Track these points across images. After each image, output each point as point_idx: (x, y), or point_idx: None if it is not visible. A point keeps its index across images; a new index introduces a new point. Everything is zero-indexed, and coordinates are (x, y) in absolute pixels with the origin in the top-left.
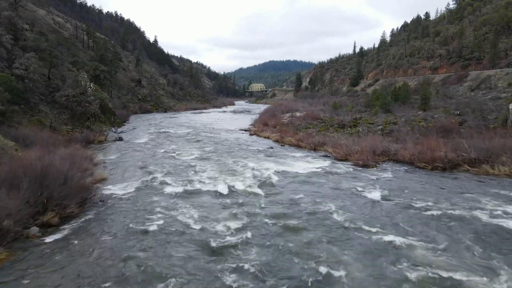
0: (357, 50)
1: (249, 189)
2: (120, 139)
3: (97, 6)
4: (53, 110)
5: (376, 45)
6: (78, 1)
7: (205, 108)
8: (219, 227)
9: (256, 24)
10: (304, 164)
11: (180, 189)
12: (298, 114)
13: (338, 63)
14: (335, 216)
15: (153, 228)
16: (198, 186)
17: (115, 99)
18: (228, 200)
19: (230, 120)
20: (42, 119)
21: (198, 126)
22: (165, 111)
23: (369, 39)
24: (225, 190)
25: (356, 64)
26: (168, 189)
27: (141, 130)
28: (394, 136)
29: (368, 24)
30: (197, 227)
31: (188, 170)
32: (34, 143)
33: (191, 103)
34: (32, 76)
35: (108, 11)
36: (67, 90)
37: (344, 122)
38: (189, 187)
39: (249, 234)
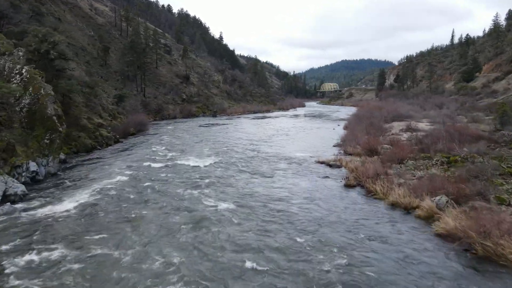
0: (455, 40)
1: None
2: (10, 202)
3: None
4: None
5: (481, 33)
6: None
7: (268, 111)
8: None
9: (328, 21)
10: None
11: None
12: (420, 124)
13: (431, 56)
14: None
15: None
16: None
17: (149, 99)
18: None
19: (299, 133)
20: None
21: (241, 145)
22: (214, 115)
23: (461, 31)
24: None
25: (458, 56)
26: None
27: (125, 157)
28: None
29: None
30: None
31: None
32: None
33: (251, 104)
34: None
35: (168, 5)
36: None
37: None
38: None
39: None
